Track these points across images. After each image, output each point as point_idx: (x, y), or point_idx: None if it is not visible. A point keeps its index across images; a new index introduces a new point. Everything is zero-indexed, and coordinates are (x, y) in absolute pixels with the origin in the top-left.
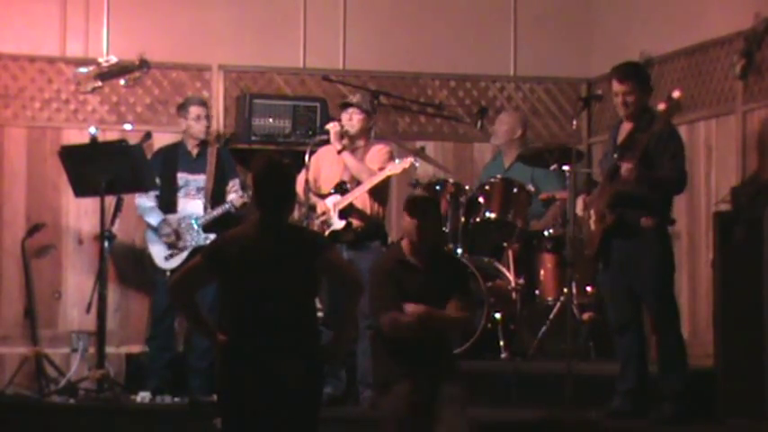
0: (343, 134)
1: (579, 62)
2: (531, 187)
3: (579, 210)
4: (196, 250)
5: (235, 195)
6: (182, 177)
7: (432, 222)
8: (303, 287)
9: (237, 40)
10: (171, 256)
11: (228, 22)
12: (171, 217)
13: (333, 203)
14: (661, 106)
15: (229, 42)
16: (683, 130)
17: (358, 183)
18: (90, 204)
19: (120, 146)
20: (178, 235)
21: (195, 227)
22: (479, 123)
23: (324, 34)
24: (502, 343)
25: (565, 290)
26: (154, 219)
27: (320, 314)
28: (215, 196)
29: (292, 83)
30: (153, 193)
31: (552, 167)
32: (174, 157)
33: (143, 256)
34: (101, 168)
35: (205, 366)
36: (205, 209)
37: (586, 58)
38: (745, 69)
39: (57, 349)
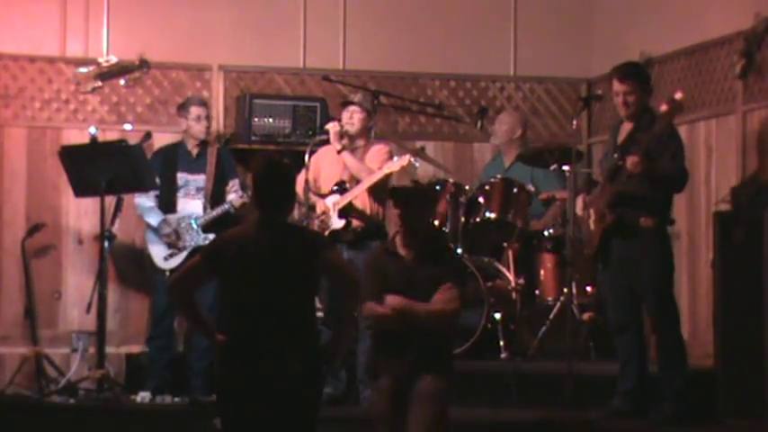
0: (342, 134)
1: (579, 62)
2: (531, 187)
3: (579, 209)
4: (195, 250)
5: (234, 195)
6: (181, 177)
7: (415, 212)
8: (302, 287)
9: (237, 40)
10: (170, 256)
11: (228, 22)
12: (170, 217)
13: (332, 203)
14: (663, 107)
15: (229, 42)
16: (682, 130)
17: (357, 182)
18: (90, 204)
19: (120, 146)
20: (178, 235)
21: (194, 227)
22: (479, 123)
23: (324, 34)
24: (502, 343)
25: (565, 290)
26: (153, 219)
27: (320, 314)
28: (215, 196)
29: (292, 83)
30: (153, 193)
31: (552, 167)
32: (173, 157)
33: (143, 256)
34: (101, 168)
35: (205, 366)
36: (205, 209)
37: (586, 58)
38: (745, 69)
39: (57, 349)
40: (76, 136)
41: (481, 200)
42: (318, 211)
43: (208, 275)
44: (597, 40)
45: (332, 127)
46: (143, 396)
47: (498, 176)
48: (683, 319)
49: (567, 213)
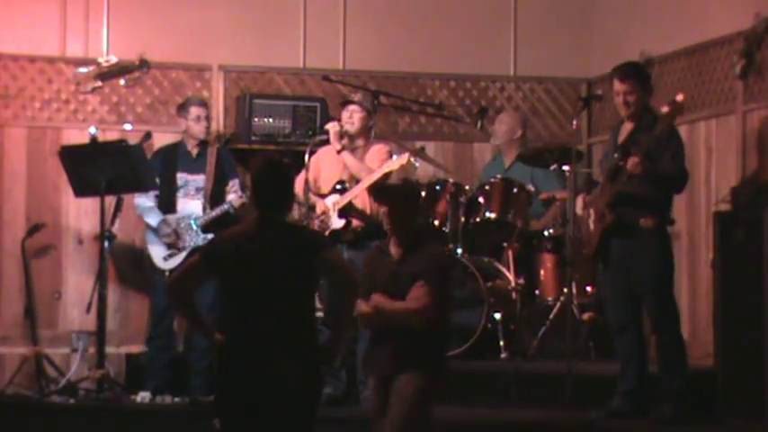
0: (342, 134)
1: (579, 62)
2: (531, 187)
3: (579, 209)
4: (195, 250)
5: (234, 196)
6: (181, 177)
7: (398, 209)
8: (302, 286)
9: (237, 40)
10: (170, 256)
11: (228, 22)
12: (170, 217)
13: (332, 203)
14: (664, 109)
15: (229, 42)
16: (682, 130)
17: (357, 182)
18: (90, 204)
19: (120, 146)
20: (177, 235)
21: (194, 227)
22: (479, 123)
23: (324, 34)
24: (502, 343)
25: (565, 290)
26: (153, 219)
27: (320, 314)
28: (214, 196)
29: (292, 83)
30: (152, 194)
31: (552, 167)
32: (173, 157)
33: (143, 257)
34: (101, 168)
35: (205, 366)
36: (204, 209)
37: (586, 58)
38: (745, 69)
39: (57, 349)
40: (76, 136)
41: (481, 200)
42: (318, 211)
43: (206, 275)
44: (597, 40)
45: (332, 127)
46: (143, 396)
47: (498, 176)
48: (683, 319)
49: (567, 213)
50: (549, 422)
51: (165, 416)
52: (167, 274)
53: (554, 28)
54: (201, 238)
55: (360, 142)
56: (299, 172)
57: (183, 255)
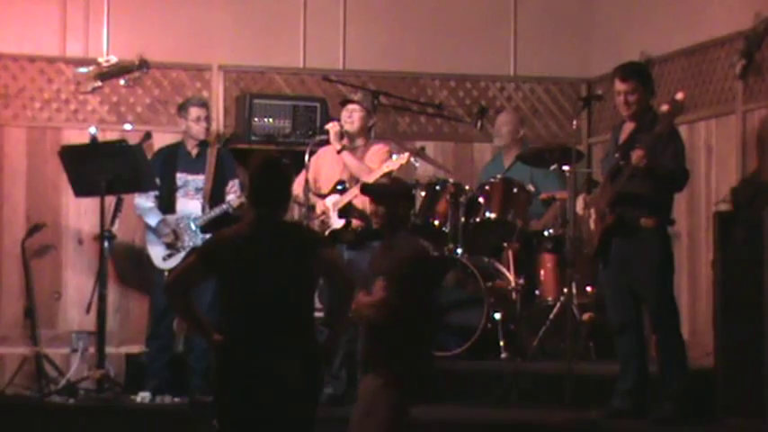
0: (342, 134)
1: (579, 62)
2: (531, 187)
3: (579, 209)
4: (194, 250)
5: (233, 196)
6: (181, 177)
7: (383, 206)
8: (300, 285)
9: (237, 40)
10: (169, 256)
11: (228, 22)
12: (169, 217)
13: (332, 203)
14: (664, 108)
15: (229, 42)
16: (683, 130)
17: (357, 182)
18: (90, 204)
19: (120, 146)
20: (176, 235)
21: (193, 227)
22: (479, 123)
23: (324, 34)
24: (502, 343)
25: (565, 290)
26: (152, 219)
27: (321, 314)
28: (214, 197)
29: (292, 83)
30: (152, 194)
31: (552, 167)
32: (173, 158)
33: (143, 256)
34: (101, 168)
35: (205, 366)
36: (203, 209)
37: (586, 58)
38: (745, 69)
39: (57, 349)
40: (76, 136)
41: (481, 200)
42: (318, 211)
43: (204, 275)
44: (597, 40)
45: (332, 127)
46: (143, 396)
47: (498, 176)
48: (683, 319)
49: (567, 213)
50: (549, 422)
51: (165, 416)
52: (166, 274)
53: (554, 28)
54: (200, 238)
55: (360, 142)
56: (298, 172)
57: (182, 255)
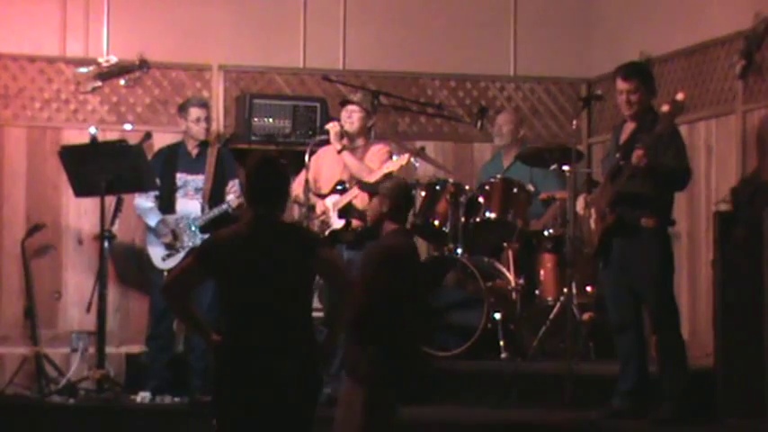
0: (343, 134)
1: (579, 62)
2: (530, 187)
3: (580, 208)
4: (193, 251)
5: (232, 196)
6: (180, 178)
7: (375, 202)
8: (298, 286)
9: (237, 40)
10: (168, 256)
11: (228, 22)
12: (169, 217)
13: (332, 203)
14: (665, 108)
15: (229, 42)
16: (683, 130)
17: (358, 182)
18: (90, 204)
19: (120, 146)
20: (176, 235)
21: (192, 227)
22: (479, 123)
23: (324, 34)
24: (502, 343)
25: (565, 290)
26: (152, 219)
27: (321, 314)
28: (213, 197)
29: (292, 83)
30: (152, 194)
31: (552, 167)
32: (173, 158)
33: (143, 256)
34: (101, 168)
35: (205, 366)
36: (203, 209)
37: (586, 58)
38: (745, 69)
39: (57, 349)
40: (76, 136)
41: (481, 200)
42: (318, 211)
43: (201, 276)
44: (597, 40)
45: (332, 127)
46: (143, 396)
47: (498, 176)
48: (683, 319)
49: (566, 213)
50: (549, 422)
51: (165, 416)
52: (166, 274)
53: (554, 28)
54: (200, 239)
55: (360, 142)
56: (298, 172)
57: (181, 255)
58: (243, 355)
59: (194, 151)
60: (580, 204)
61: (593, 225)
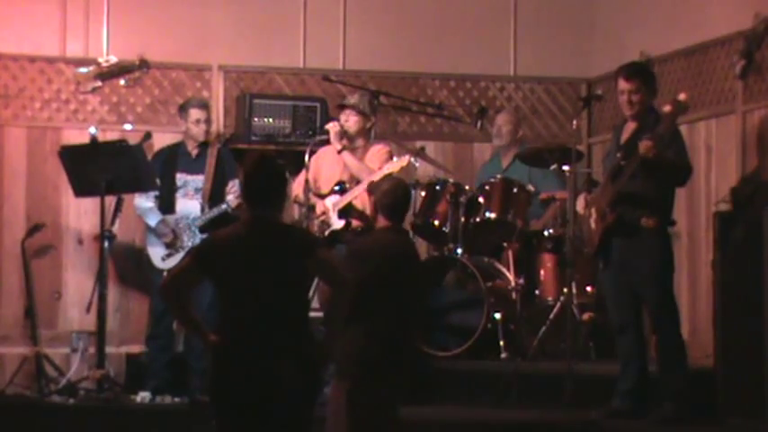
0: (343, 134)
1: (579, 62)
2: (531, 187)
3: (580, 208)
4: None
5: (232, 196)
6: (180, 178)
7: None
8: (295, 286)
9: (237, 40)
10: (168, 256)
11: (228, 22)
12: (169, 217)
13: (332, 203)
14: (666, 108)
15: (229, 42)
16: (682, 130)
17: (357, 183)
18: (90, 204)
19: (120, 146)
20: (176, 235)
21: (192, 228)
22: (479, 123)
23: (324, 34)
24: (502, 343)
25: (565, 290)
26: (152, 219)
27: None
28: (213, 197)
29: (292, 83)
30: (152, 194)
31: (552, 167)
32: (173, 158)
33: (143, 256)
34: (101, 168)
35: (204, 367)
36: (202, 209)
37: (586, 58)
38: (745, 69)
39: (57, 349)
40: (76, 136)
41: (481, 200)
42: (318, 211)
43: (198, 276)
44: (597, 40)
45: (332, 127)
46: (143, 396)
47: (498, 176)
48: (683, 319)
49: (566, 213)
50: (549, 422)
51: (165, 416)
52: (165, 274)
53: (554, 28)
54: (200, 239)
55: (360, 142)
56: (297, 172)
57: (181, 255)
58: (240, 355)
59: (194, 151)
60: (580, 204)
61: (593, 225)
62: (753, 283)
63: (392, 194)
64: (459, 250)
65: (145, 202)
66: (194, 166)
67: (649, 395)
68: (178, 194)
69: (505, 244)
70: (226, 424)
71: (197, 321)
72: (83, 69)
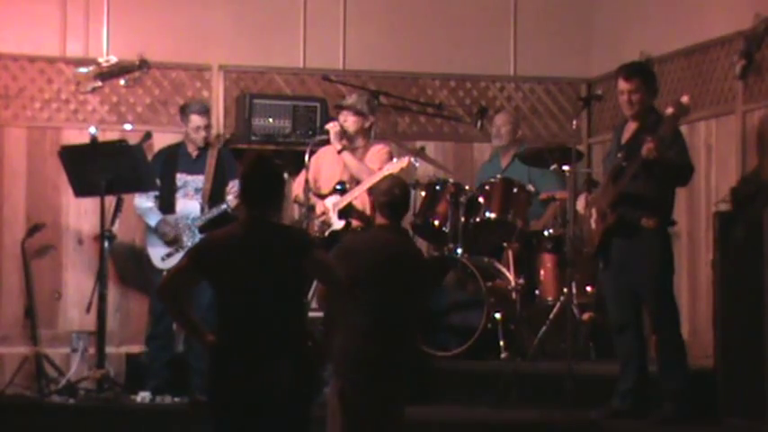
0: (343, 134)
1: (579, 62)
2: (531, 187)
3: (581, 208)
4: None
5: (232, 197)
6: (180, 178)
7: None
8: (291, 286)
9: (237, 40)
10: (168, 256)
11: (228, 22)
12: (169, 217)
13: (332, 204)
14: (669, 110)
15: (229, 42)
16: (683, 130)
17: (357, 183)
18: (90, 204)
19: (120, 146)
20: (176, 235)
21: (192, 228)
22: (479, 123)
23: (324, 34)
24: (502, 343)
25: (565, 290)
26: (152, 219)
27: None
28: (213, 197)
29: (292, 83)
30: (152, 194)
31: (552, 167)
32: (174, 158)
33: (143, 256)
34: (101, 168)
35: (204, 367)
36: (202, 210)
37: (586, 58)
38: (745, 69)
39: (57, 349)
40: (76, 136)
41: (481, 200)
42: (318, 211)
43: (195, 276)
44: (597, 40)
45: (332, 127)
46: (143, 396)
47: (498, 176)
48: (683, 319)
49: (566, 213)
50: (549, 422)
51: (165, 416)
52: (165, 274)
53: (554, 28)
54: (199, 239)
55: (360, 143)
56: (297, 172)
57: (180, 255)
58: (238, 356)
59: (194, 152)
60: (581, 203)
61: (593, 225)
62: (753, 283)
63: (390, 193)
64: (459, 250)
65: (145, 202)
66: (194, 167)
67: (649, 395)
68: (178, 194)
69: (505, 244)
70: (224, 424)
71: (194, 322)
72: (83, 69)
